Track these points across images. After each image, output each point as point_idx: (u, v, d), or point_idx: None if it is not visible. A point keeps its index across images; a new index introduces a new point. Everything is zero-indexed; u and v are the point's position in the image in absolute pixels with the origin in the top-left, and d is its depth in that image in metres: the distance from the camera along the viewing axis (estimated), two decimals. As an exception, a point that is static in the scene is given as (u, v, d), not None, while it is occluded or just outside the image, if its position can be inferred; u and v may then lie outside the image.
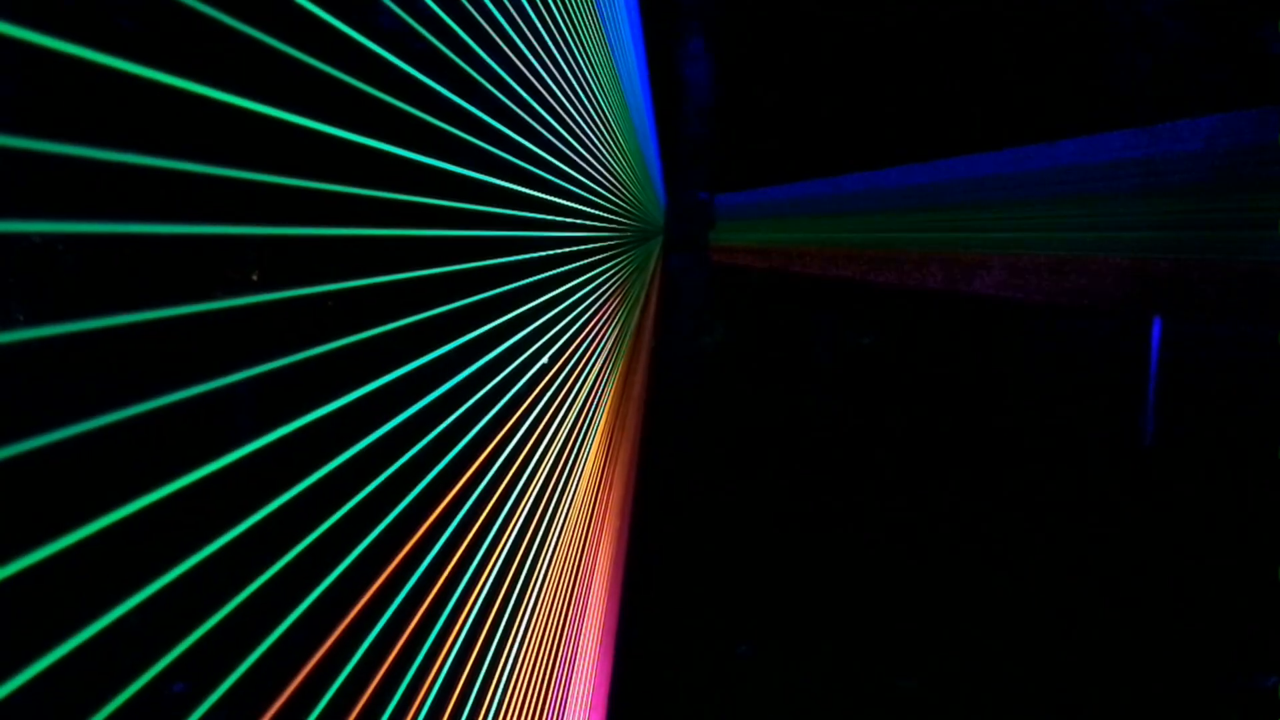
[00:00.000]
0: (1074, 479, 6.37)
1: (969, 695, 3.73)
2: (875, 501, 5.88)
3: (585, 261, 2.75)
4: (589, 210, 2.90)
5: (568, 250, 2.52)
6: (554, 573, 1.91)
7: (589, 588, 2.48)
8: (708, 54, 6.09)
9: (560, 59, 2.39)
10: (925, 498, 6.00)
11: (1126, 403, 7.62)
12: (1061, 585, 4.64)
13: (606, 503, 2.98)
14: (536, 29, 2.08)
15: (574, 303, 2.40)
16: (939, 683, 3.79)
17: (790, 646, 4.08)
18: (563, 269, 2.41)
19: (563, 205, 2.51)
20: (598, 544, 2.70)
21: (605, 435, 2.99)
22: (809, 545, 5.17)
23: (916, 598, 4.53)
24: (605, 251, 3.29)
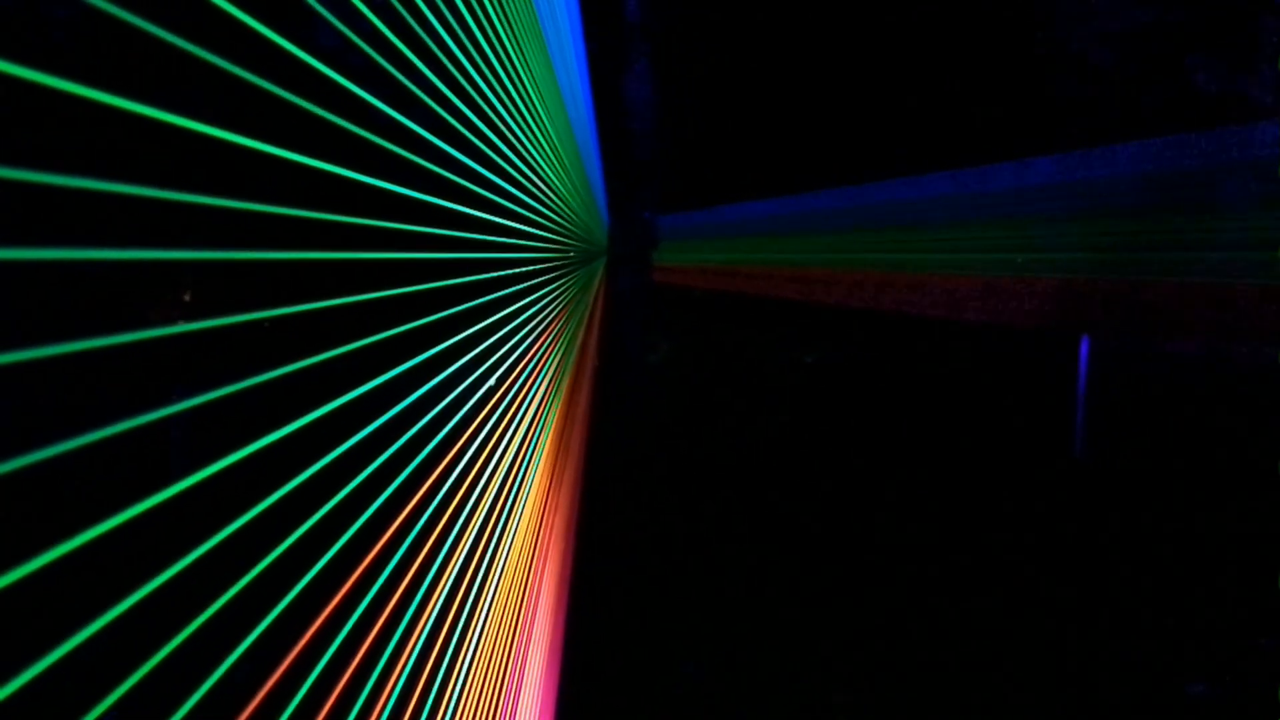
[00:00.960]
0: (1007, 492, 6.51)
1: (910, 709, 3.77)
2: (818, 519, 5.93)
3: (530, 283, 2.73)
4: (533, 230, 2.88)
5: (512, 272, 2.50)
6: (501, 594, 1.88)
7: (535, 609, 2.44)
8: (652, 74, 6.13)
9: (503, 76, 2.38)
10: (865, 514, 6.07)
11: (1057, 419, 7.83)
12: (995, 597, 4.73)
13: (552, 524, 2.95)
14: (480, 45, 2.07)
15: (519, 325, 2.37)
16: (878, 698, 3.82)
17: (736, 665, 4.08)
18: (507, 291, 2.38)
19: (506, 225, 2.48)
20: (543, 565, 2.67)
21: (550, 456, 2.97)
22: (754, 563, 5.19)
23: (858, 613, 4.57)
24: (549, 272, 3.28)
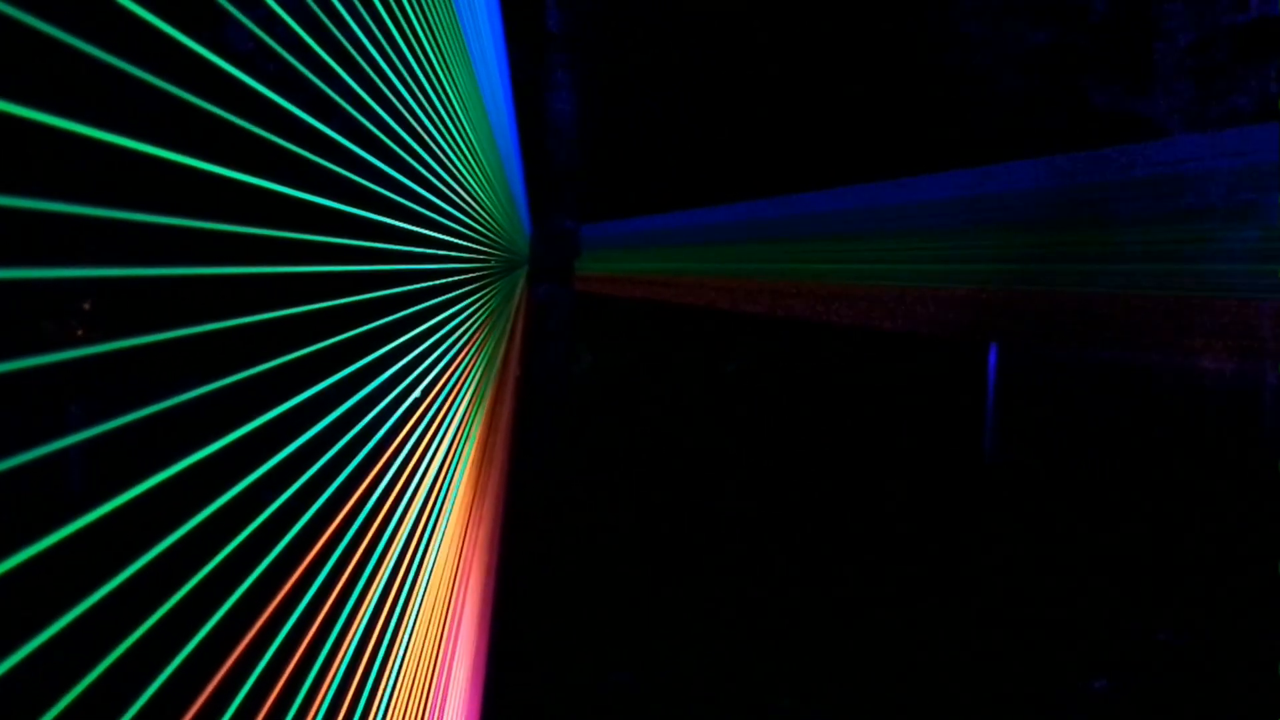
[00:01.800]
0: (920, 494, 6.69)
1: (843, 709, 3.82)
2: (742, 524, 5.98)
3: (451, 295, 2.69)
4: (454, 240, 2.83)
5: (433, 284, 2.46)
6: (426, 610, 1.84)
7: (460, 622, 2.40)
8: (573, 84, 6.12)
9: (425, 82, 2.34)
10: (787, 519, 6.15)
11: (967, 423, 8.09)
12: (907, 594, 4.84)
13: (476, 537, 2.91)
14: (401, 50, 2.03)
15: (441, 336, 2.33)
16: (814, 699, 3.87)
17: (666, 672, 4.08)
18: (429, 303, 2.34)
19: (427, 235, 2.44)
20: (467, 578, 2.62)
21: (474, 467, 2.92)
22: (681, 568, 5.20)
23: (786, 616, 4.62)
24: (471, 282, 3.23)
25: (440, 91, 2.54)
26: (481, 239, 3.56)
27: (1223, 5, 5.89)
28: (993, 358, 7.96)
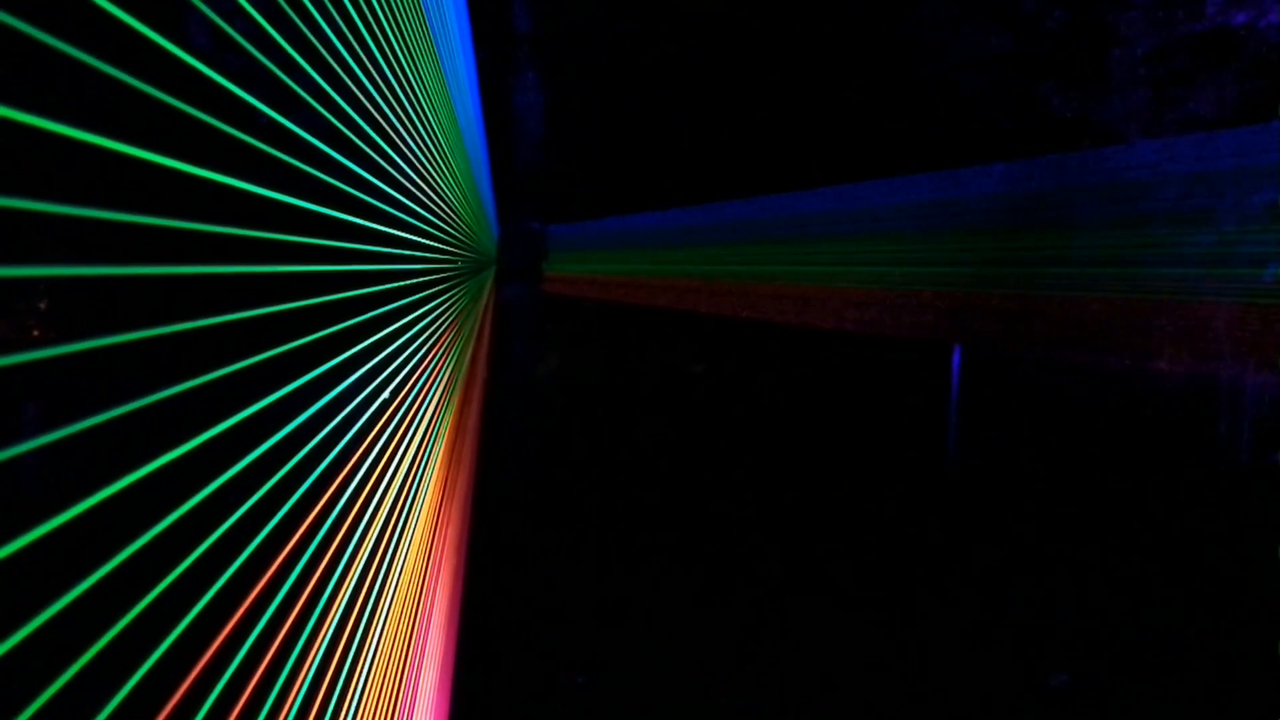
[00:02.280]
0: (883, 497, 6.75)
1: (804, 709, 3.84)
2: (707, 527, 6.00)
3: (419, 296, 2.67)
4: (421, 240, 2.81)
5: (400, 284, 2.44)
6: (394, 613, 1.83)
7: (428, 624, 2.38)
8: (541, 84, 6.11)
9: (392, 80, 2.32)
10: (753, 520, 6.18)
11: (931, 424, 8.18)
12: (869, 595, 4.89)
13: (444, 539, 2.89)
14: (368, 47, 2.01)
15: (410, 337, 2.31)
16: (776, 700, 3.89)
17: (627, 677, 4.07)
18: (396, 304, 2.32)
19: (394, 235, 2.42)
20: (436, 579, 2.60)
21: (442, 469, 2.90)
22: (645, 572, 5.20)
23: (749, 619, 4.64)
24: (439, 283, 3.21)
25: (407, 89, 2.52)
26: (449, 239, 3.54)
27: (1179, 14, 6.02)
28: (956, 360, 8.06)
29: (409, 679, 1.97)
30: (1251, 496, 6.63)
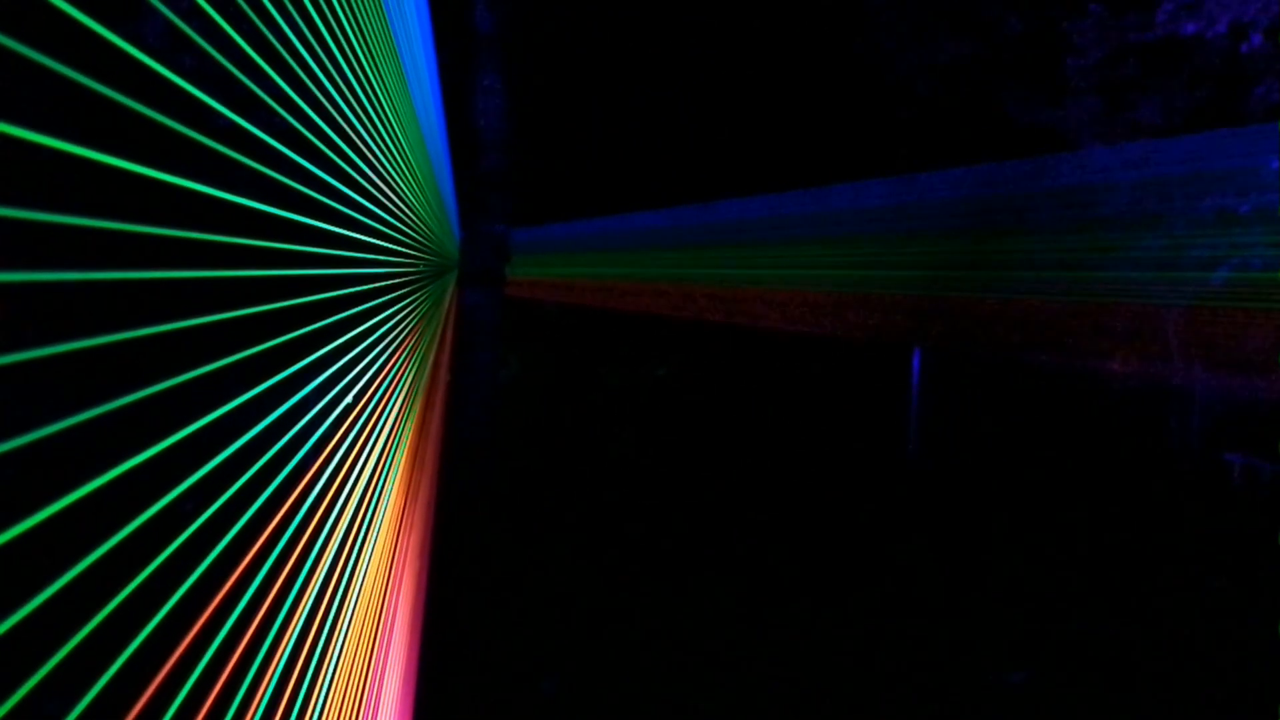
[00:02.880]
0: (844, 495, 6.82)
1: (766, 708, 3.86)
2: (671, 529, 6.01)
3: (382, 299, 2.64)
4: (382, 243, 2.78)
5: (362, 288, 2.41)
6: (359, 614, 1.80)
7: (391, 629, 2.35)
8: (503, 88, 6.08)
9: (353, 81, 2.29)
10: (716, 522, 6.20)
11: (892, 425, 8.28)
12: (830, 594, 4.93)
13: (407, 543, 2.86)
14: (329, 47, 1.98)
15: (373, 341, 2.28)
16: (737, 700, 3.90)
17: (594, 681, 4.06)
18: (358, 308, 2.29)
19: (355, 239, 2.39)
20: (400, 582, 2.57)
21: (405, 473, 2.87)
22: (608, 575, 5.19)
23: (711, 620, 4.65)
24: (400, 287, 3.18)
25: (367, 89, 2.49)
26: (411, 242, 3.51)
27: (1130, 23, 6.16)
28: (916, 362, 8.17)
29: (372, 684, 1.95)
30: (1201, 493, 6.80)
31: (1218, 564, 5.49)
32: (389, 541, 2.41)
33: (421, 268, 4.09)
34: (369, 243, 2.55)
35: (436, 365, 4.58)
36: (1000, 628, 4.63)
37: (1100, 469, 7.10)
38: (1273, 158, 5.64)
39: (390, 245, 2.93)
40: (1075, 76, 6.45)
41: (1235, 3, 5.74)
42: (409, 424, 3.08)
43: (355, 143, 2.37)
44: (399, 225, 3.13)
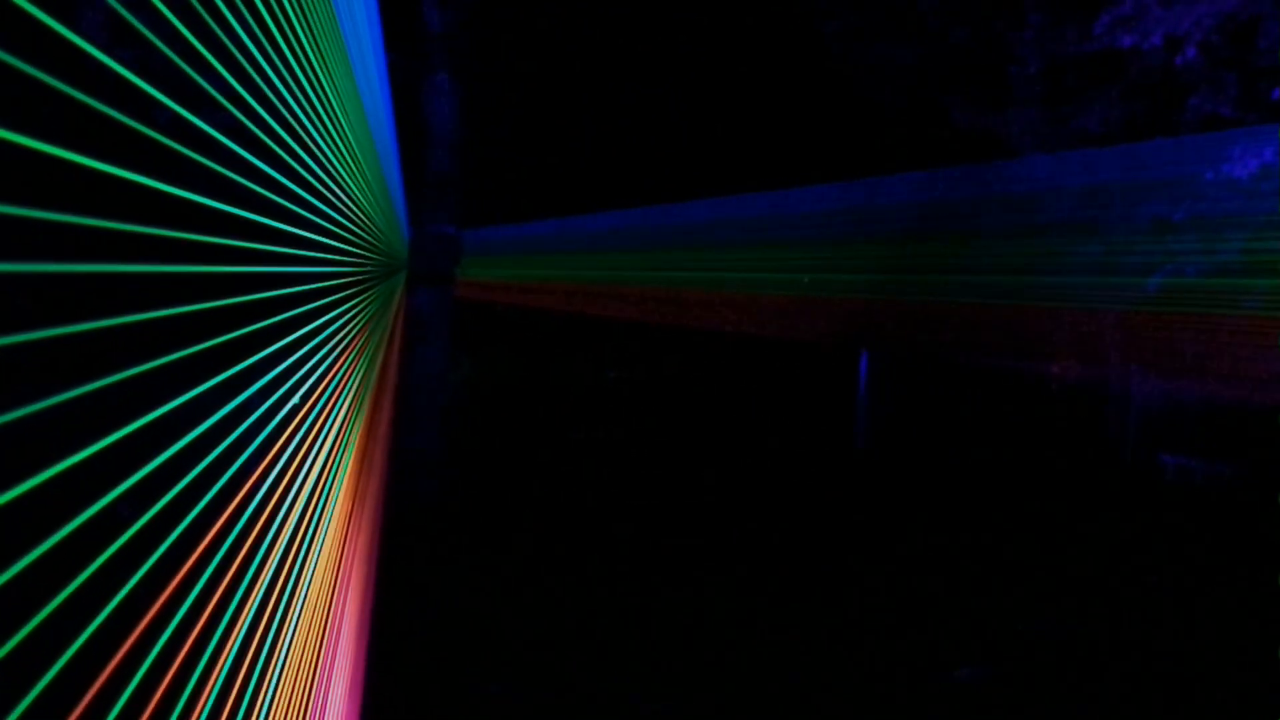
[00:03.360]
0: (793, 495, 6.89)
1: (714, 706, 3.87)
2: (622, 529, 6.00)
3: (329, 299, 2.59)
4: (327, 241, 2.74)
5: (306, 288, 2.36)
6: (305, 618, 1.77)
7: (339, 631, 2.31)
8: (454, 87, 6.03)
9: (301, 76, 2.25)
10: (668, 522, 6.21)
11: (840, 426, 8.39)
12: (779, 594, 4.97)
13: (355, 546, 2.81)
14: (275, 40, 1.94)
15: (321, 341, 2.24)
16: (682, 700, 3.90)
17: (542, 683, 4.04)
18: (306, 307, 2.25)
19: (300, 236, 2.35)
20: (347, 586, 2.53)
21: (353, 475, 2.82)
22: (557, 577, 5.17)
23: (661, 621, 4.66)
24: (348, 286, 3.13)
25: (316, 87, 2.45)
26: (358, 240, 3.46)
27: (1070, 35, 6.32)
28: (863, 364, 8.28)
29: (318, 689, 1.91)
30: (1136, 491, 6.99)
31: (1153, 560, 5.66)
32: (336, 543, 2.37)
33: (369, 267, 4.03)
34: (314, 240, 2.50)
35: (385, 365, 4.52)
36: (945, 622, 4.70)
37: (1038, 467, 7.27)
38: (1206, 168, 5.83)
39: (336, 243, 2.89)
40: (1017, 86, 6.60)
41: (1170, 16, 5.92)
42: (357, 426, 3.03)
43: (301, 137, 2.33)
44: (346, 223, 3.08)
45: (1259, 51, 5.81)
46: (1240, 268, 5.91)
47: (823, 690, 4.04)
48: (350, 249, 3.20)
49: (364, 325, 3.48)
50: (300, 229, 2.37)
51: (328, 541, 2.19)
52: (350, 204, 3.16)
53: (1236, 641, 4.42)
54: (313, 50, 2.34)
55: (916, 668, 4.25)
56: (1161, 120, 6.25)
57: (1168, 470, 7.07)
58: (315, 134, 2.49)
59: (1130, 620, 4.82)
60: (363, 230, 3.58)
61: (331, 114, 2.69)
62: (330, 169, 2.70)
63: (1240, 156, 5.70)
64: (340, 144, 2.87)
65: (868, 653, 4.37)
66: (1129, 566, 5.61)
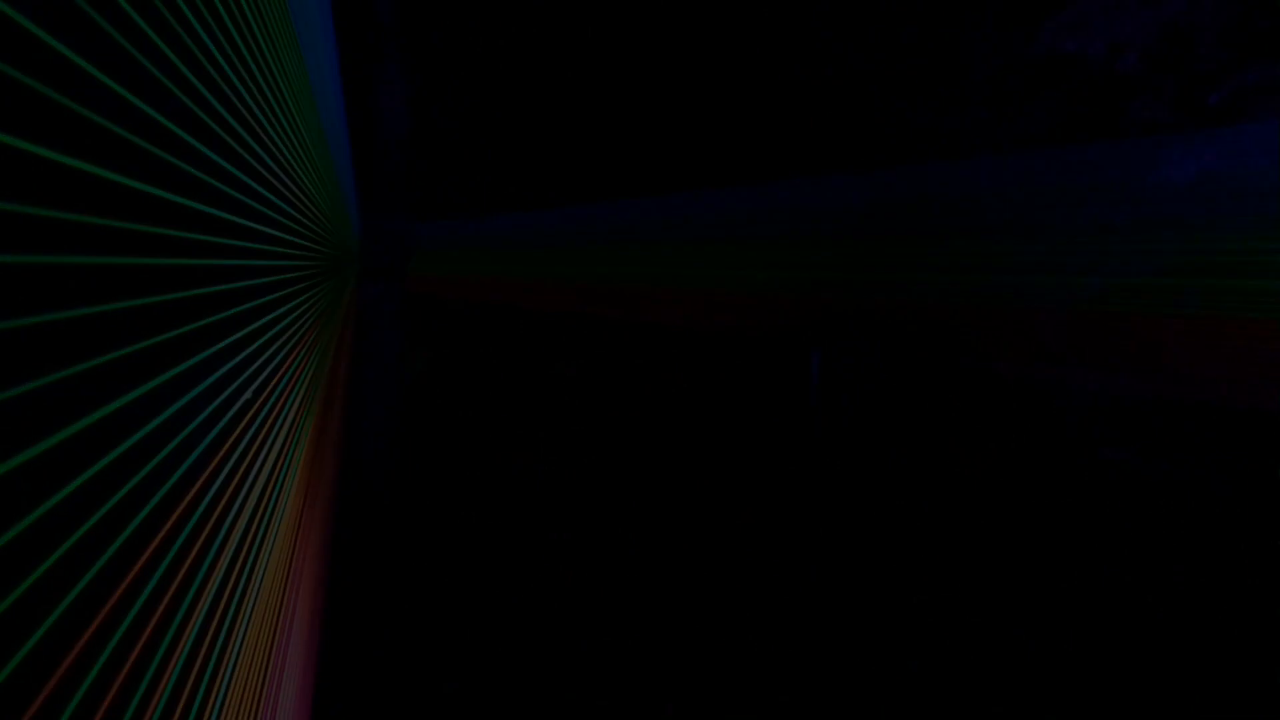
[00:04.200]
0: (749, 494, 6.93)
1: (676, 705, 3.88)
2: (580, 528, 5.99)
3: (278, 294, 2.54)
4: (275, 233, 2.68)
5: (249, 282, 2.31)
6: (256, 619, 1.73)
7: (291, 631, 2.27)
8: (406, 76, 5.95)
9: (247, 57, 2.20)
10: (627, 519, 6.21)
11: (792, 425, 8.46)
12: (738, 593, 5.00)
13: (307, 547, 2.76)
14: (223, 23, 1.89)
15: (270, 338, 2.19)
16: (647, 700, 3.91)
17: (498, 682, 4.02)
18: (249, 304, 2.19)
19: (243, 225, 2.29)
20: (299, 586, 2.48)
21: (304, 475, 2.77)
22: (515, 577, 5.14)
23: (620, 620, 4.66)
24: (296, 281, 3.06)
25: (265, 73, 2.39)
26: (308, 233, 3.39)
27: (1016, 38, 6.45)
28: (815, 362, 8.37)
29: (270, 691, 1.87)
30: (1082, 490, 7.17)
31: (1099, 555, 5.80)
32: (287, 543, 2.32)
33: (319, 262, 3.96)
34: (259, 230, 2.45)
35: (336, 363, 4.44)
36: (899, 613, 4.77)
37: (983, 463, 7.42)
38: (1147, 170, 5.99)
39: (284, 235, 2.82)
40: (965, 88, 6.72)
41: (1112, 23, 6.07)
42: (308, 424, 2.98)
43: (248, 122, 2.27)
44: (295, 215, 3.02)
45: (1198, 58, 5.99)
46: (1179, 268, 6.09)
47: (779, 688, 4.08)
48: (299, 241, 3.14)
49: (313, 321, 3.41)
50: (244, 218, 2.31)
51: (279, 541, 2.14)
52: (300, 195, 3.10)
53: (1185, 634, 4.55)
54: (262, 35, 2.28)
55: (872, 661, 4.31)
56: (1103, 123, 6.41)
57: (1109, 466, 7.27)
58: (263, 119, 2.43)
59: (1078, 614, 4.94)
60: (312, 223, 3.51)
61: (281, 102, 2.63)
62: (279, 157, 2.64)
63: (1179, 160, 5.87)
64: (290, 130, 2.81)
65: (823, 650, 4.42)
66: (1076, 559, 5.75)
